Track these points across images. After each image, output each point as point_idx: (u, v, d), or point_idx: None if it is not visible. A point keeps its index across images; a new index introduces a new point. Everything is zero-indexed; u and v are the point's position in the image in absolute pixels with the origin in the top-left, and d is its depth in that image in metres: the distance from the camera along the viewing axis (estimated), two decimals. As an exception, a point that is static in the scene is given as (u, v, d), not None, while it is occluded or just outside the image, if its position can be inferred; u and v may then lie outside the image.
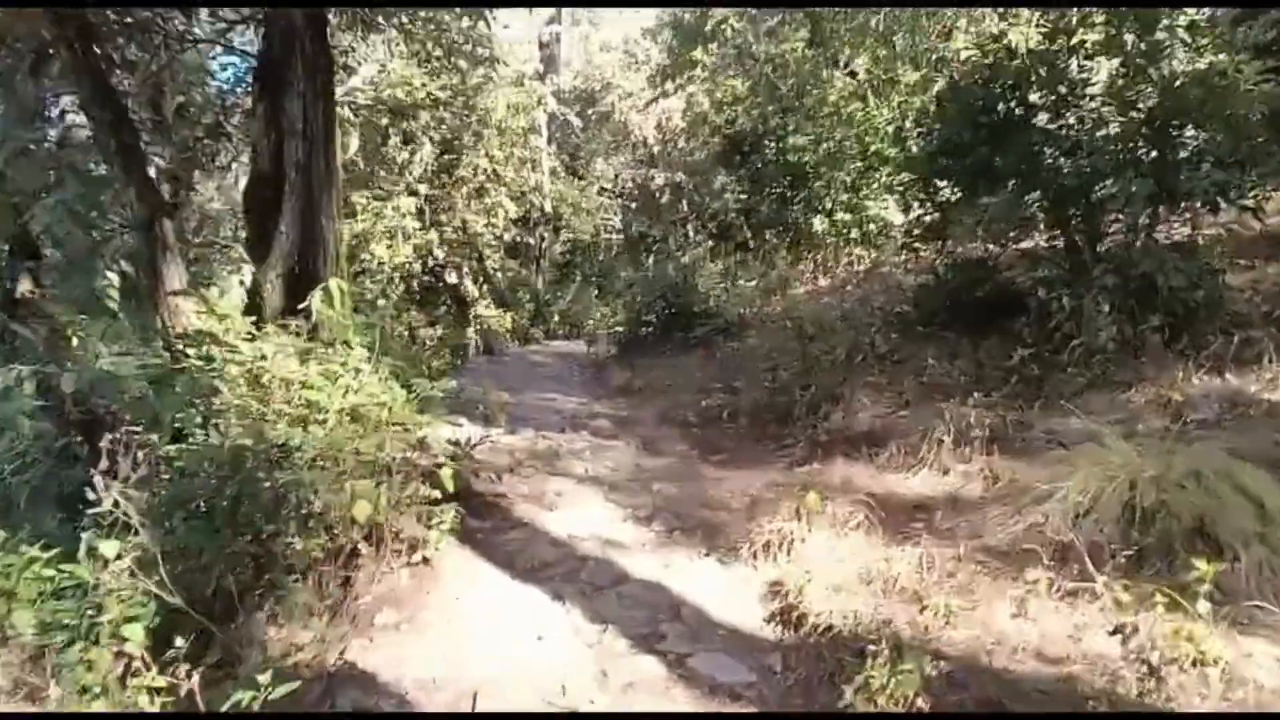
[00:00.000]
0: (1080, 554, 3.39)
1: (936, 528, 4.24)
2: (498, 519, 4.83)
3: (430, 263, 19.32)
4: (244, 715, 2.56)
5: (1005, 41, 7.35)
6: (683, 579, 4.02)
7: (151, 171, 7.80)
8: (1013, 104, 7.06)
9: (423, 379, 5.18)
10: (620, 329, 11.47)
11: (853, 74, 11.72)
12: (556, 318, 18.59)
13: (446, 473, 4.35)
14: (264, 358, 4.38)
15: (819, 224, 12.23)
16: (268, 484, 3.68)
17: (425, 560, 4.08)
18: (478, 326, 15.90)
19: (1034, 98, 6.92)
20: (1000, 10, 9.07)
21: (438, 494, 4.26)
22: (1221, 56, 5.72)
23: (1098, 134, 6.33)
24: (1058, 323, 6.16)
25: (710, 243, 24.00)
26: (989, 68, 7.25)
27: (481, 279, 21.36)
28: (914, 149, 9.42)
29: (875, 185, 12.22)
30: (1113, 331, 5.55)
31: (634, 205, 25.61)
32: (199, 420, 4.09)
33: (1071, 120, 6.59)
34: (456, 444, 5.16)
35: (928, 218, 10.01)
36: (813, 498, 4.29)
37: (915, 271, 10.33)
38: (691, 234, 26.37)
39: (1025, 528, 3.91)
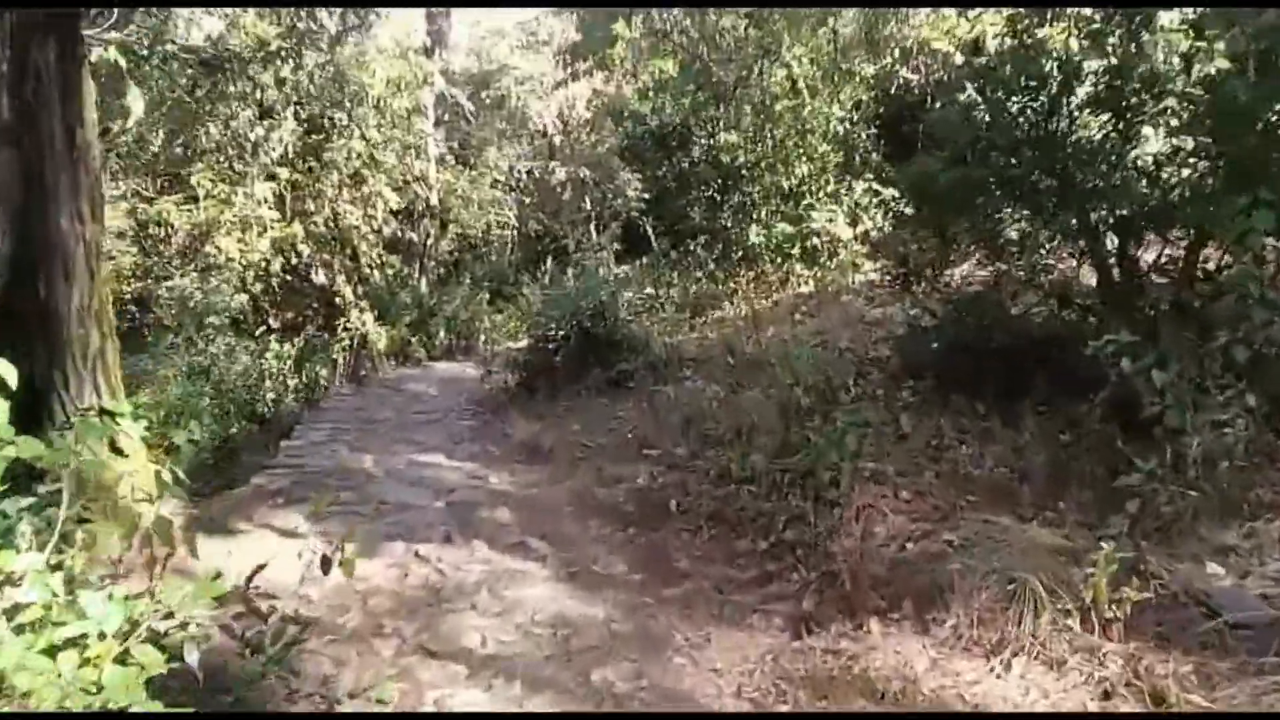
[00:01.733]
0: None
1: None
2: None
3: (294, 260, 16.61)
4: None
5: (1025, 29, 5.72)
6: None
7: None
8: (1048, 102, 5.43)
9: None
10: (522, 355, 9.33)
11: (798, 62, 9.99)
12: (443, 330, 16.17)
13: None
14: None
15: (755, 235, 10.47)
16: None
17: None
18: (349, 338, 13.36)
19: (1082, 93, 5.30)
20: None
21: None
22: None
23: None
24: (1122, 392, 4.53)
25: (616, 245, 22.18)
26: (1018, 60, 5.59)
27: (356, 280, 18.73)
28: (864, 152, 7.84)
29: (819, 193, 10.56)
30: (1241, 429, 3.92)
31: (530, 200, 23.31)
32: None
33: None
34: (254, 610, 3.00)
35: (877, 232, 8.45)
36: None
37: (877, 301, 8.70)
38: (595, 235, 24.36)
39: None
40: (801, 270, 10.52)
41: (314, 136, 16.17)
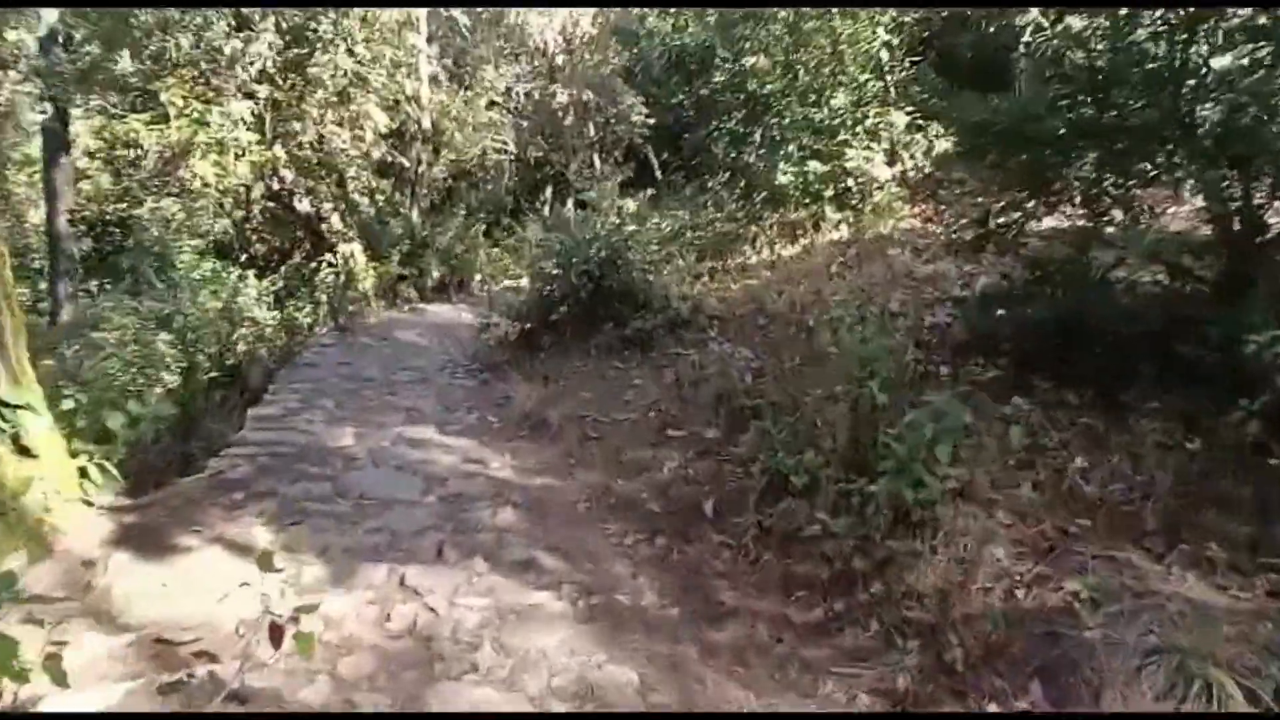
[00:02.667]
0: None
1: None
2: None
3: (276, 186, 15.46)
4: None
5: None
6: None
7: None
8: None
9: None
10: (523, 305, 8.35)
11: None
12: (435, 266, 15.08)
13: None
14: None
15: (783, 174, 9.40)
16: None
17: None
18: (334, 274, 12.29)
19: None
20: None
21: None
22: None
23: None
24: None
25: (620, 176, 20.94)
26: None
27: (344, 208, 17.61)
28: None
29: (855, 127, 9.46)
30: None
31: (529, 125, 21.89)
32: None
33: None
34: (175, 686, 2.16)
35: (915, 172, 7.47)
36: None
37: (926, 255, 7.73)
38: (598, 163, 22.99)
39: None
40: (833, 214, 9.49)
41: (296, 50, 14.82)
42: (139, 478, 4.50)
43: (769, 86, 9.59)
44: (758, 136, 9.78)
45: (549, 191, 21.25)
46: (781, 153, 9.59)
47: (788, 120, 9.57)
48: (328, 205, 17.68)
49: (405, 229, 16.51)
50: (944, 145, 9.34)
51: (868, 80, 9.27)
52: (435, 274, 15.58)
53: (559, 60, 21.19)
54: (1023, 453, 4.22)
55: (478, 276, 15.13)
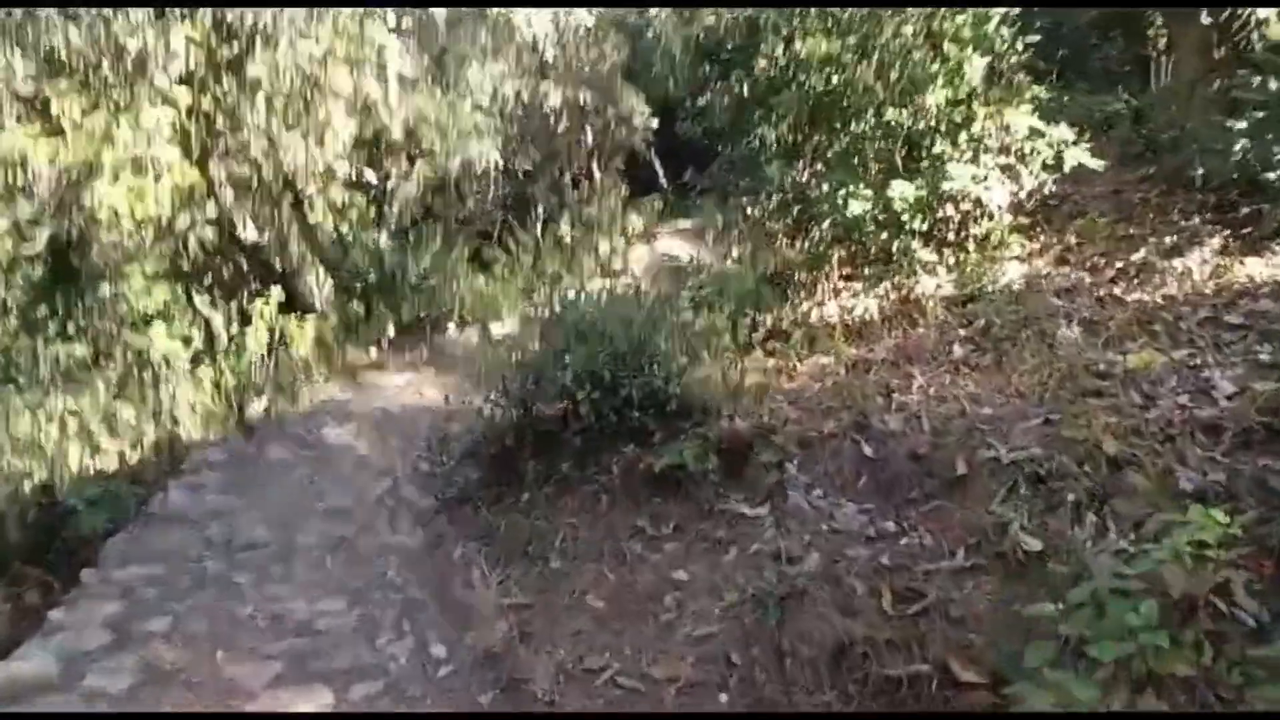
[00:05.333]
0: None
1: None
2: None
3: (213, 212, 12.79)
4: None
5: None
6: None
7: None
8: None
9: None
10: (504, 402, 5.66)
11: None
12: (405, 302, 12.42)
13: None
14: None
15: (856, 200, 6.76)
16: None
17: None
18: (267, 333, 9.62)
19: None
20: None
21: None
22: None
23: None
24: None
25: (623, 188, 18.29)
26: None
27: (300, 233, 14.92)
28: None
29: (957, 135, 6.89)
30: None
31: (517, 131, 19.14)
32: None
33: None
34: None
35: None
36: None
37: (1107, 332, 5.15)
38: (598, 174, 20.34)
39: None
40: (924, 253, 6.90)
41: (227, 47, 12.10)
42: None
43: (835, 79, 6.96)
44: (823, 144, 7.16)
45: (541, 208, 18.56)
46: (851, 172, 6.98)
47: (862, 126, 6.95)
48: (269, 233, 15.00)
49: (372, 257, 13.84)
50: (1078, 156, 6.76)
51: (975, 71, 6.67)
52: (405, 314, 12.94)
53: (550, 55, 18.50)
54: None
55: (451, 324, 12.48)
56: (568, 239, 16.46)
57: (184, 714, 2.77)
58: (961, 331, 5.57)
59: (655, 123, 19.93)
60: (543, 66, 19.59)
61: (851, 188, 6.86)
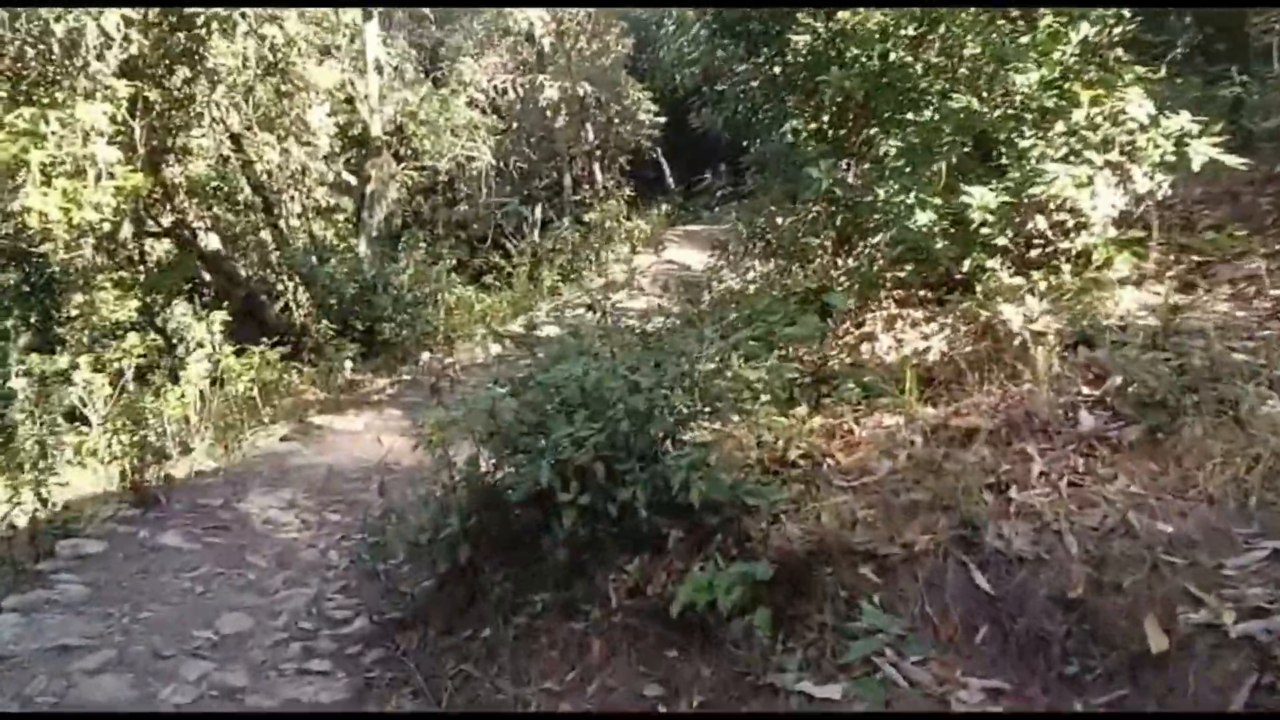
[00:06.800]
0: None
1: None
2: None
3: (168, 219, 11.44)
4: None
5: None
6: None
7: None
8: None
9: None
10: (474, 490, 4.21)
11: None
12: (385, 320, 11.00)
13: None
14: None
15: (922, 209, 5.33)
16: None
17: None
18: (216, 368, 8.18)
19: None
20: None
21: None
22: None
23: None
24: None
25: (628, 191, 16.89)
26: None
27: (271, 242, 13.63)
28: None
29: (1049, 131, 5.46)
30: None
31: (512, 127, 17.67)
32: None
33: None
34: None
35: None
36: None
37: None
38: (599, 175, 18.85)
39: None
40: (1007, 276, 5.47)
41: (180, 34, 10.68)
42: None
43: (893, 56, 5.51)
44: (877, 138, 5.72)
45: (538, 211, 17.01)
46: (916, 172, 5.54)
47: (929, 115, 5.51)
48: (249, 240, 13.73)
49: (349, 272, 12.42)
50: (1207, 151, 5.30)
51: (1075, 45, 5.23)
52: (382, 333, 11.54)
53: (547, 46, 16.99)
54: None
55: (438, 338, 11.08)
56: (567, 247, 15.08)
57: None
58: (1085, 389, 4.11)
59: (662, 119, 18.47)
60: (539, 58, 18.20)
61: (915, 193, 5.42)
